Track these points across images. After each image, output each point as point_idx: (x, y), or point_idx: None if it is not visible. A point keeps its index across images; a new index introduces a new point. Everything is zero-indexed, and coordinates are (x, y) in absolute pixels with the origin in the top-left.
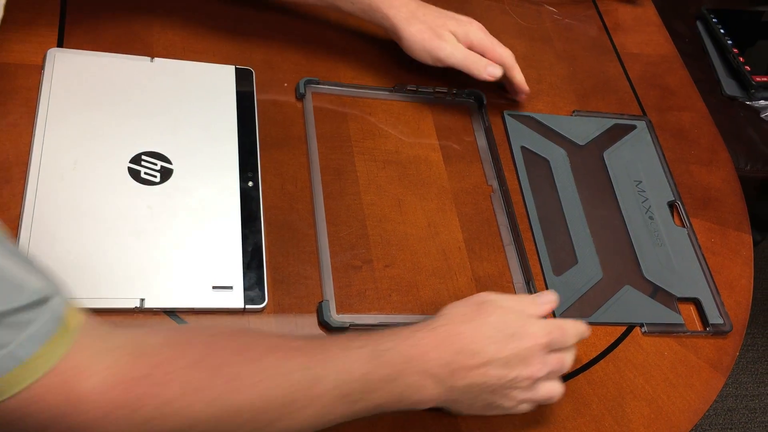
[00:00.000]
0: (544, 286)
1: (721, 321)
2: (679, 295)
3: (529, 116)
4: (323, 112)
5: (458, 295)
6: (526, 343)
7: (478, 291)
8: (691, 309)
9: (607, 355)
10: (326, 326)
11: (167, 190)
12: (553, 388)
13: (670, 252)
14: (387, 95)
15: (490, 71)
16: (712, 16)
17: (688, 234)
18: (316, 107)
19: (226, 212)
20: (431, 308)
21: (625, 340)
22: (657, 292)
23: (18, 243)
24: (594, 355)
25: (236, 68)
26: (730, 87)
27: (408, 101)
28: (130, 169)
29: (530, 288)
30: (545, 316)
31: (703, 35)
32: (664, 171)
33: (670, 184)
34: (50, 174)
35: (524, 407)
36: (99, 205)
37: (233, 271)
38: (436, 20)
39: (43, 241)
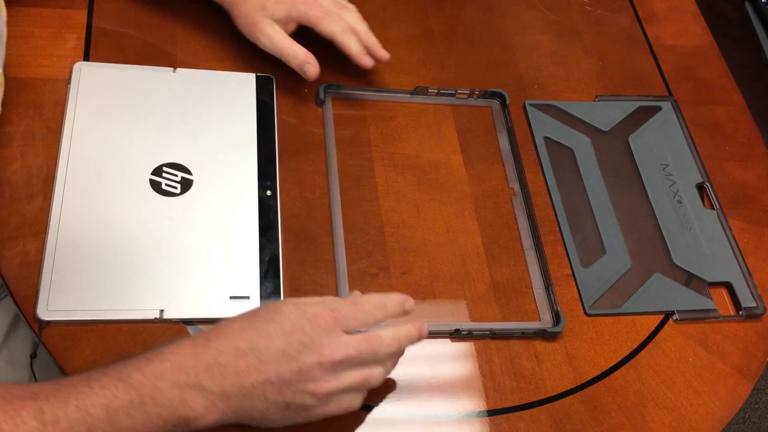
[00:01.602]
0: (572, 281)
1: (754, 304)
2: (710, 280)
3: (550, 105)
4: (343, 117)
5: (476, 301)
6: (305, 328)
7: (497, 297)
8: (723, 293)
9: (629, 362)
10: None
11: (187, 201)
12: (352, 402)
13: (699, 236)
14: (408, 98)
15: (305, 70)
16: None
17: (718, 216)
18: (336, 113)
19: (245, 222)
20: (448, 315)
21: (647, 346)
22: (688, 278)
23: (44, 256)
24: (615, 361)
25: (257, 76)
26: None
27: (429, 104)
28: (151, 181)
29: (550, 294)
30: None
31: (751, 17)
32: (692, 152)
33: (698, 165)
34: (75, 186)
35: (341, 404)
36: (121, 217)
37: (250, 281)
38: None
39: (68, 253)
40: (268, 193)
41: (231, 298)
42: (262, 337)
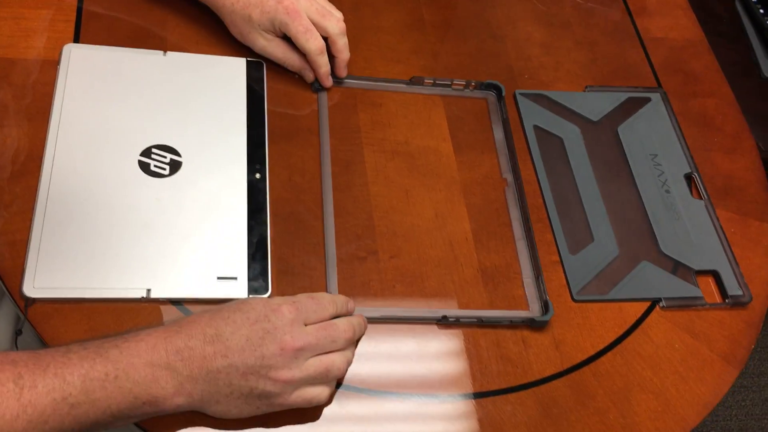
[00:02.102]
0: (560, 267)
1: (740, 292)
2: (697, 268)
3: (541, 94)
4: (336, 104)
5: (464, 286)
6: (270, 317)
7: (485, 282)
8: (710, 281)
9: (615, 347)
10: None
11: (176, 183)
12: (318, 394)
13: (687, 225)
14: (404, 88)
15: (302, 75)
16: None
17: (706, 206)
18: (331, 99)
19: (233, 204)
20: (436, 299)
21: (634, 332)
22: (675, 266)
23: (31, 234)
24: (601, 347)
25: (247, 61)
26: None
27: (423, 93)
28: (140, 162)
29: (539, 284)
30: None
31: (742, 16)
32: (680, 143)
33: (686, 156)
34: (63, 166)
35: (306, 395)
36: (109, 197)
37: (238, 262)
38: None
39: (55, 232)
40: (257, 176)
41: (218, 278)
42: (229, 324)
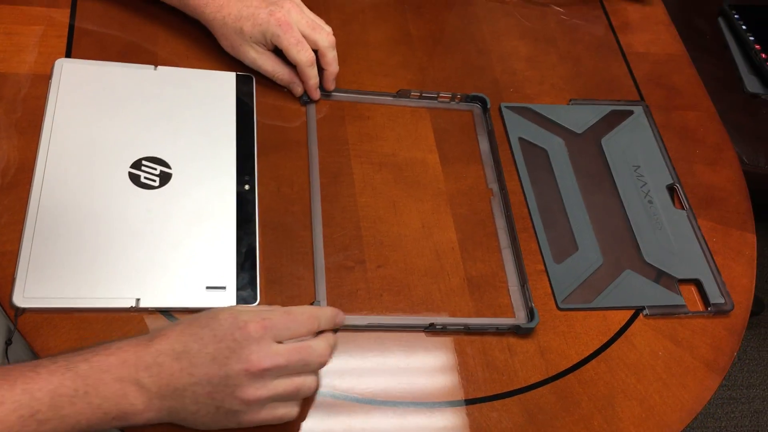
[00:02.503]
0: (545, 276)
1: (722, 300)
2: (679, 277)
3: (525, 107)
4: (324, 116)
5: (450, 295)
6: (236, 335)
7: (471, 291)
8: (693, 290)
9: (600, 355)
10: None
11: (166, 194)
12: (287, 412)
13: (669, 235)
14: (391, 101)
15: (291, 89)
16: (734, 12)
17: (688, 216)
18: (319, 112)
19: (222, 215)
20: (422, 308)
21: (618, 340)
22: (658, 275)
23: (21, 244)
24: (586, 354)
25: (237, 75)
26: (752, 84)
27: (411, 106)
28: (130, 174)
29: (525, 291)
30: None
31: (724, 31)
32: (663, 155)
33: (668, 167)
34: (54, 178)
35: (275, 413)
36: (99, 208)
37: (227, 272)
38: (243, 10)
39: (45, 242)
40: (246, 187)
41: (207, 288)
42: (196, 341)
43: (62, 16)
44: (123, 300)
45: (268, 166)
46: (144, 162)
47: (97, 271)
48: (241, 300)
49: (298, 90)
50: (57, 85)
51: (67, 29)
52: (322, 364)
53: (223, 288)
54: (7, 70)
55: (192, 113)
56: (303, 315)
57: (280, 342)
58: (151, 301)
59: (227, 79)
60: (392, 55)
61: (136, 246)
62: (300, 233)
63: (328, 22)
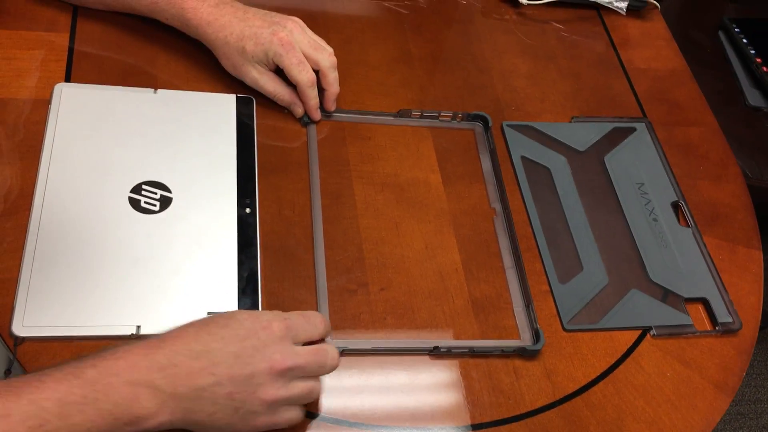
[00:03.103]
0: (550, 297)
1: (730, 319)
2: (686, 296)
3: (527, 125)
4: (325, 137)
5: (455, 317)
6: (259, 334)
7: (475, 313)
8: (700, 309)
9: (607, 377)
10: None
11: (166, 219)
12: (295, 415)
13: (675, 253)
14: (392, 120)
15: (292, 109)
16: (734, 25)
17: (693, 233)
18: (320, 133)
19: (223, 239)
20: (427, 331)
21: (625, 361)
22: (664, 294)
23: (21, 272)
24: (593, 376)
25: (237, 97)
26: (753, 97)
27: (412, 126)
28: (130, 199)
29: (530, 312)
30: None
31: (725, 45)
32: (666, 172)
33: (672, 184)
34: (53, 204)
35: (286, 415)
36: (99, 234)
37: (228, 297)
38: (246, 30)
39: (44, 270)
40: (248, 210)
41: (209, 313)
42: (217, 340)
43: (61, 40)
44: (123, 327)
45: (270, 188)
46: (144, 186)
47: (96, 298)
48: None
49: (299, 111)
50: (56, 110)
51: (66, 53)
52: (334, 368)
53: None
54: (6, 96)
55: (192, 136)
56: (317, 318)
57: (296, 344)
58: (151, 328)
59: (227, 101)
60: (392, 75)
61: (136, 272)
62: (302, 256)
63: (327, 43)
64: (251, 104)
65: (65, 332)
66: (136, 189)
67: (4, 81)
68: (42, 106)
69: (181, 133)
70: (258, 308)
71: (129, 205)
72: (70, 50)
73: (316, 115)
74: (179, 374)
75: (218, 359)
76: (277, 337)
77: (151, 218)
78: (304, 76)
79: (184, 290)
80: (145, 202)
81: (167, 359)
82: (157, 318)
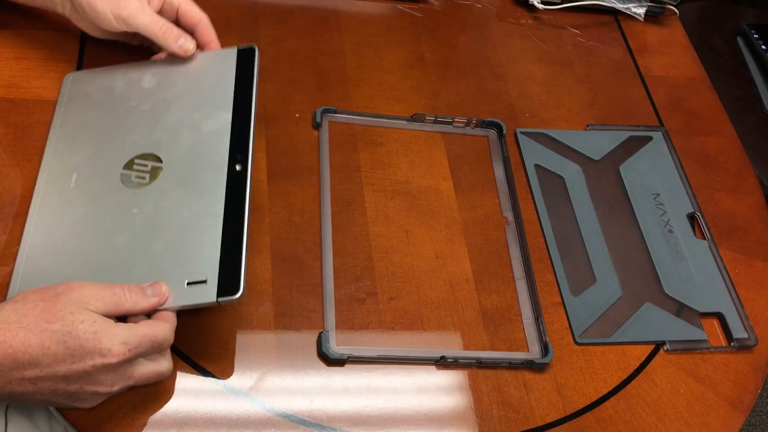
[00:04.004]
0: (562, 309)
1: (745, 335)
2: (701, 310)
3: (542, 133)
4: (336, 142)
5: (464, 328)
6: (95, 361)
7: (485, 324)
8: (715, 323)
9: (619, 392)
10: (325, 358)
11: (153, 191)
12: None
13: (690, 266)
14: (405, 125)
15: (181, 44)
16: (753, 31)
17: (709, 246)
18: (331, 137)
19: (209, 203)
20: (435, 342)
21: (638, 376)
22: (679, 308)
23: (12, 279)
24: (605, 391)
25: (238, 49)
26: None
27: (425, 131)
28: (122, 176)
29: (539, 325)
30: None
31: (743, 51)
32: (683, 182)
33: (689, 195)
34: (51, 194)
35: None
36: (90, 216)
37: (209, 264)
38: None
39: (37, 258)
40: (238, 167)
41: (188, 284)
42: (46, 355)
43: (71, 39)
44: None
45: (279, 194)
46: (136, 161)
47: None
48: (221, 293)
49: (190, 46)
50: (64, 99)
51: (77, 53)
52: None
53: (204, 282)
54: (16, 96)
55: (189, 98)
56: (165, 336)
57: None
58: None
59: (228, 56)
60: (406, 79)
61: (123, 256)
62: (311, 263)
63: (341, 46)
64: (253, 55)
65: None
66: (129, 164)
67: (14, 81)
68: (51, 107)
69: (179, 96)
70: (240, 273)
71: (120, 182)
72: (81, 50)
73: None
74: (4, 381)
75: (44, 374)
76: (113, 366)
77: (139, 192)
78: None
79: (166, 262)
80: (136, 176)
81: None
82: None
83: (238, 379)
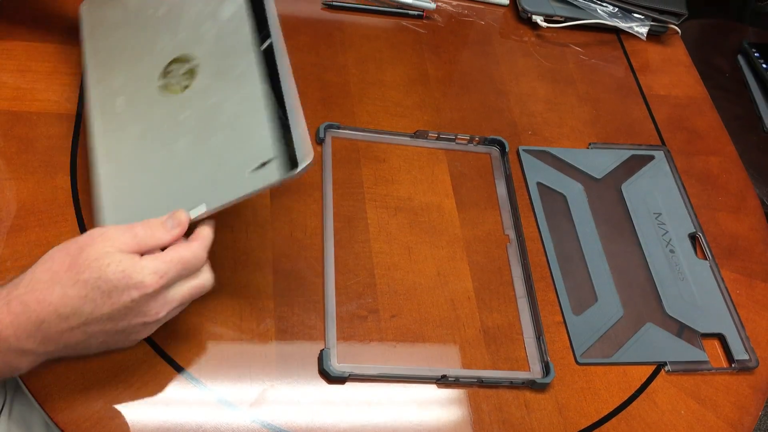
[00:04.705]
0: (563, 328)
1: (746, 356)
2: (702, 331)
3: (544, 151)
4: (339, 158)
5: (466, 347)
6: (132, 295)
7: (486, 343)
8: (716, 345)
9: (620, 413)
10: (326, 375)
11: (195, 91)
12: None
13: (692, 286)
14: (408, 141)
15: None
16: (754, 50)
17: (711, 267)
18: (334, 153)
19: (247, 84)
20: (437, 361)
21: (639, 397)
22: (680, 329)
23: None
24: (605, 412)
25: None
26: None
27: (428, 147)
28: (161, 86)
29: (540, 344)
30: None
31: (744, 70)
32: (685, 202)
33: (690, 215)
34: (104, 124)
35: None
36: (145, 133)
37: (265, 146)
38: None
39: (117, 189)
40: (265, 44)
41: (252, 171)
42: (87, 302)
43: (77, 52)
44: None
45: (281, 210)
46: (170, 67)
47: (146, 196)
48: (289, 165)
49: None
50: (86, 30)
51: (80, 66)
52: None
53: (268, 162)
54: (21, 109)
55: None
56: (196, 254)
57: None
58: (197, 211)
59: None
60: (409, 96)
61: (183, 156)
62: (312, 280)
63: (344, 62)
64: None
65: None
66: (165, 72)
67: (19, 94)
68: (56, 120)
69: None
70: (301, 142)
71: (162, 93)
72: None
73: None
74: (50, 335)
75: (90, 320)
76: (151, 296)
77: (178, 98)
78: None
79: (221, 157)
80: (175, 82)
81: (35, 327)
82: (198, 198)
83: (239, 395)
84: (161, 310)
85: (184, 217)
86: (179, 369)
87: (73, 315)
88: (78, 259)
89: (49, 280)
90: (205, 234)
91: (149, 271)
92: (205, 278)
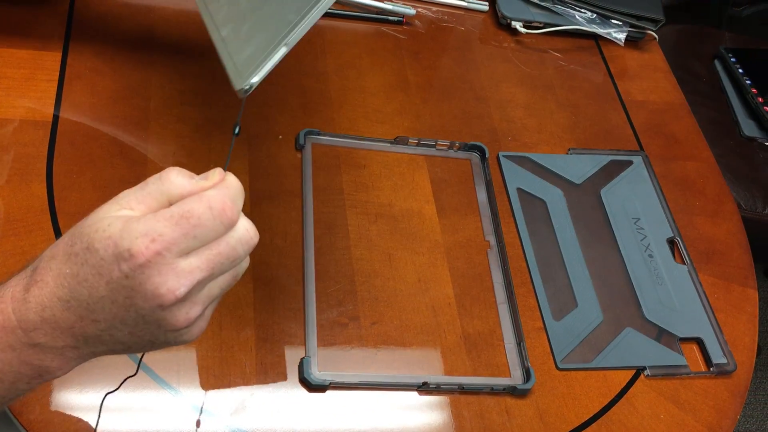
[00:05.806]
0: (544, 334)
1: (724, 360)
2: (681, 335)
3: (524, 156)
4: (319, 165)
5: (447, 353)
6: (122, 268)
7: (467, 349)
8: (694, 348)
9: (600, 418)
10: (307, 383)
11: None
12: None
13: (671, 290)
14: (388, 147)
15: None
16: (730, 55)
17: (689, 271)
18: (315, 159)
19: None
20: (418, 367)
21: (619, 402)
22: (659, 333)
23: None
24: (586, 417)
25: None
26: (748, 128)
27: (408, 153)
28: None
29: (521, 350)
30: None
31: (721, 75)
32: (663, 207)
33: (668, 220)
34: None
35: (212, 311)
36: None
37: None
38: None
39: None
40: None
41: None
42: (81, 284)
43: (53, 59)
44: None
45: (261, 217)
46: None
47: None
48: None
49: None
50: None
51: (58, 72)
52: (253, 247)
53: None
54: None
55: None
56: (208, 212)
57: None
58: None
59: None
60: (389, 102)
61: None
62: (293, 288)
63: (324, 68)
64: None
65: None
66: None
67: None
68: (31, 127)
69: None
70: None
71: None
72: (62, 70)
73: None
74: (60, 328)
75: (93, 307)
76: (147, 267)
77: None
78: None
79: None
80: None
81: (38, 315)
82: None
83: (219, 405)
84: (175, 286)
85: (217, 174)
86: (158, 378)
87: (73, 300)
88: (76, 229)
89: (48, 257)
90: (230, 182)
91: (136, 234)
92: (239, 236)
